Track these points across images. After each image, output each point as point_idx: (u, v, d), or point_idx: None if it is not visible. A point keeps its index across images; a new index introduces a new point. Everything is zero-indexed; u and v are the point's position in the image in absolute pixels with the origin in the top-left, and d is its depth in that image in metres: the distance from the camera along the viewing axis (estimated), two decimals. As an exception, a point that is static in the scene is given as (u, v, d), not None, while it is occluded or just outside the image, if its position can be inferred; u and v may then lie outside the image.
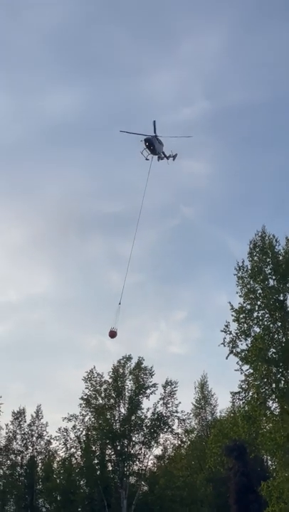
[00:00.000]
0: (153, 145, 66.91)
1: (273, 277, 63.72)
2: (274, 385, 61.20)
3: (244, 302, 63.22)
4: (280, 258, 64.20)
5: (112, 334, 63.17)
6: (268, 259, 64.27)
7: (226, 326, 62.94)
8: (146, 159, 67.54)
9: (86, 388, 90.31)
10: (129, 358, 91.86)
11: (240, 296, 63.63)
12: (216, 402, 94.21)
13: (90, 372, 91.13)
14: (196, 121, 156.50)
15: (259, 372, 60.86)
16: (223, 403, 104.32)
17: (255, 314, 62.98)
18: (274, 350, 61.86)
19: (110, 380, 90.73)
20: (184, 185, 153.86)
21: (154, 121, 66.57)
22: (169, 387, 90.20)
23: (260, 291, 63.30)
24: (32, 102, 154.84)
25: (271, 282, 63.70)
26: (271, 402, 61.93)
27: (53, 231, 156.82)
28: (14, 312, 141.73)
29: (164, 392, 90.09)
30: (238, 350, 62.33)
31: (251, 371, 61.58)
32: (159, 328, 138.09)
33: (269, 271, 63.97)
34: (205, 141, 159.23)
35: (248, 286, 63.43)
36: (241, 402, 64.07)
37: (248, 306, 63.05)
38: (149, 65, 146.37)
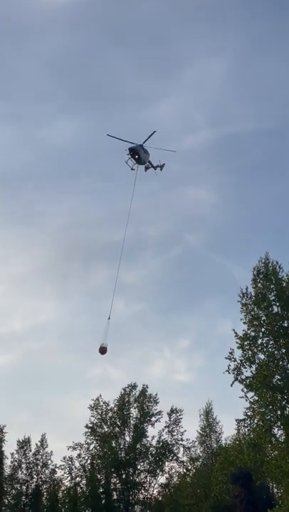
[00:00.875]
0: (138, 154, 65.35)
1: (277, 304, 63.81)
2: (279, 412, 61.05)
3: (248, 329, 63.28)
4: (284, 284, 64.33)
5: (102, 350, 61.74)
6: (272, 286, 64.41)
7: (231, 353, 63.03)
8: (132, 169, 66.03)
9: (92, 416, 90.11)
10: (134, 387, 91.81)
11: (244, 323, 63.74)
12: (221, 429, 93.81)
13: (96, 400, 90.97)
14: (199, 149, 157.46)
15: (264, 399, 60.79)
16: (228, 431, 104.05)
17: (260, 341, 63.02)
18: (279, 377, 61.83)
19: (116, 408, 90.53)
20: (188, 213, 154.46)
21: (154, 132, 65.23)
22: (174, 414, 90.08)
23: (264, 317, 63.36)
24: (36, 131, 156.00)
25: (275, 309, 63.79)
26: (276, 429, 61.80)
27: (57, 259, 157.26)
28: (19, 341, 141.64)
29: (169, 420, 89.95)
30: (243, 377, 62.33)
31: (256, 398, 61.51)
32: (163, 356, 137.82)
33: (273, 297, 64.09)
34: (208, 169, 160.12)
35: (252, 313, 63.53)
36: (246, 430, 63.88)
37: (253, 333, 63.10)
38: (153, 94, 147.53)
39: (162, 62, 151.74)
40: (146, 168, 67.77)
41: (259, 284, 64.76)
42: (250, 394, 61.78)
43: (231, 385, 62.56)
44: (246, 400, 61.92)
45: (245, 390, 61.87)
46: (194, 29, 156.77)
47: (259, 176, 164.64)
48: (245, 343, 62.89)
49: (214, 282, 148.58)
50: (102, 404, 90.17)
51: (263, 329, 63.23)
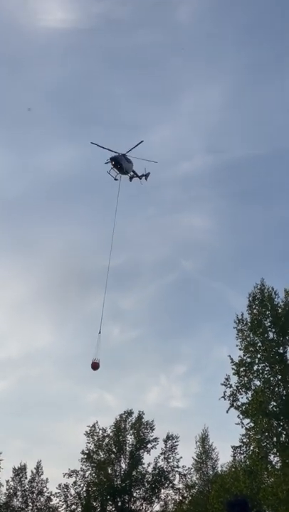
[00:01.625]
0: (120, 164, 63.28)
1: (273, 330, 63.95)
2: (275, 439, 60.91)
3: (244, 355, 63.37)
4: (280, 311, 64.51)
5: (95, 366, 60.36)
6: (268, 312, 64.59)
7: (226, 379, 63.12)
8: (115, 179, 63.63)
9: (88, 443, 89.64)
10: (130, 413, 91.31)
11: (240, 349, 63.88)
12: (217, 456, 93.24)
13: (92, 426, 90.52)
14: (195, 176, 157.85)
15: (260, 425, 60.68)
16: (224, 457, 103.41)
17: (256, 367, 63.07)
18: (275, 404, 61.75)
19: (112, 435, 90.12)
20: (184, 239, 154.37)
21: (141, 142, 62.84)
22: (170, 441, 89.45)
23: (259, 344, 63.47)
24: (33, 158, 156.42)
25: (271, 335, 63.91)
26: (272, 456, 61.62)
27: (54, 286, 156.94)
28: (15, 367, 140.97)
29: (165, 447, 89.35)
30: (239, 403, 62.33)
31: (252, 425, 61.42)
32: (159, 382, 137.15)
33: (268, 323, 64.23)
34: (205, 195, 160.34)
35: (248, 339, 63.65)
36: (242, 457, 63.48)
37: (248, 359, 63.16)
38: (149, 120, 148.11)
39: (159, 89, 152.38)
40: (131, 178, 65.61)
41: (255, 310, 64.94)
42: (246, 420, 61.74)
43: (227, 412, 62.60)
44: (242, 427, 61.88)
45: (241, 416, 61.83)
46: (191, 56, 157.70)
47: (255, 202, 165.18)
48: (241, 369, 62.94)
49: (210, 308, 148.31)
50: (98, 430, 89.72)
51: (258, 355, 63.32)
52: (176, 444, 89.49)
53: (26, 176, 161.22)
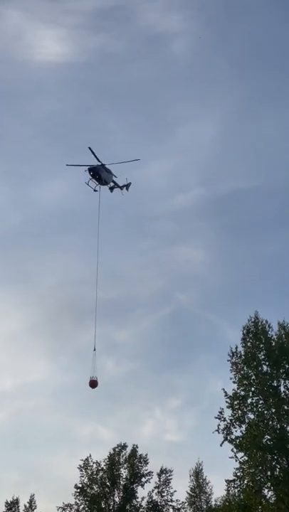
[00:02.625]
0: (99, 174, 62.13)
1: (267, 363, 63.99)
2: (269, 473, 60.65)
3: (238, 388, 63.35)
4: (273, 344, 64.62)
5: (93, 383, 59.41)
6: (261, 345, 64.69)
7: (220, 412, 62.99)
8: (95, 190, 62.81)
9: (81, 476, 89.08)
10: (124, 447, 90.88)
11: (234, 382, 63.86)
12: (211, 490, 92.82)
13: (85, 460, 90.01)
14: (190, 209, 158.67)
15: (254, 459, 60.47)
16: (218, 491, 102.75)
17: (249, 400, 63.01)
18: (269, 437, 61.57)
19: (105, 468, 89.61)
20: (179, 272, 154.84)
21: (90, 148, 61.17)
22: (164, 475, 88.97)
23: (253, 377, 63.50)
24: (27, 191, 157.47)
25: (265, 368, 63.95)
26: (267, 490, 61.30)
27: (48, 319, 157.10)
28: (10, 400, 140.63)
29: (159, 481, 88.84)
30: (233, 437, 62.13)
31: (246, 458, 61.17)
32: (154, 415, 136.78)
33: (262, 356, 64.29)
34: (200, 227, 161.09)
35: (242, 372, 63.66)
36: (236, 491, 63.14)
37: (242, 393, 63.13)
38: (144, 154, 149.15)
39: (153, 122, 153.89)
40: (112, 189, 65.01)
41: (248, 343, 65.04)
42: (240, 454, 61.50)
43: (221, 445, 62.38)
44: (236, 461, 61.60)
45: (235, 450, 61.63)
46: (185, 90, 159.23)
47: (250, 235, 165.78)
48: (235, 402, 62.87)
49: (205, 341, 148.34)
50: (91, 464, 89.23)
51: (252, 388, 63.31)
52: (170, 477, 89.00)
53: (20, 209, 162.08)
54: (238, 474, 61.31)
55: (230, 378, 64.09)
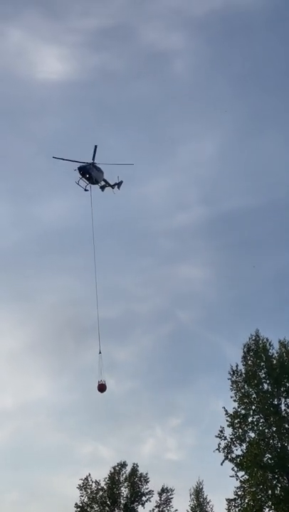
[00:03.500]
0: (89, 173, 60.88)
1: (268, 381, 63.84)
2: (270, 492, 60.37)
3: (239, 407, 63.21)
4: (274, 362, 64.50)
5: (101, 387, 58.31)
6: (262, 363, 64.57)
7: (221, 431, 62.86)
8: (86, 190, 61.54)
9: (81, 496, 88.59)
10: (124, 465, 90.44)
11: (234, 400, 63.71)
12: (212, 509, 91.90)
13: (85, 479, 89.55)
14: (191, 227, 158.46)
15: (255, 478, 60.24)
16: (218, 510, 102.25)
17: (250, 419, 62.86)
18: (269, 456, 61.36)
19: (106, 487, 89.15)
20: (180, 290, 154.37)
21: (96, 146, 61.11)
22: (164, 494, 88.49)
23: (254, 395, 63.36)
24: (29, 209, 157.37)
25: (265, 386, 63.82)
26: (267, 509, 60.89)
27: (49, 338, 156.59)
28: (10, 419, 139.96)
29: (160, 500, 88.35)
30: (233, 455, 61.92)
31: (247, 477, 60.93)
32: (154, 434, 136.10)
33: (263, 375, 64.17)
34: (200, 245, 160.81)
35: (243, 390, 63.54)
36: (237, 510, 62.60)
37: (243, 411, 62.98)
38: (145, 172, 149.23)
39: (154, 140, 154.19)
40: (103, 188, 63.84)
41: (249, 362, 64.94)
42: (241, 473, 61.31)
43: (222, 464, 62.17)
44: (237, 479, 61.45)
45: (235, 468, 61.43)
46: (186, 108, 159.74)
47: (251, 253, 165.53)
48: (236, 421, 62.73)
49: (206, 359, 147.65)
50: (91, 483, 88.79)
51: (253, 407, 63.17)
52: (170, 497, 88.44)
53: (22, 227, 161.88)
54: (239, 493, 61.10)
55: (231, 397, 64.05)
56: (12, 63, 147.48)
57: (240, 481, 61.13)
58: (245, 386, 63.70)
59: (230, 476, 61.50)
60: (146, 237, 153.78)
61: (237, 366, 64.67)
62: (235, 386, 63.88)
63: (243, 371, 64.41)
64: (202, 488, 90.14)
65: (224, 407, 63.42)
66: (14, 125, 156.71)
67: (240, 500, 61.13)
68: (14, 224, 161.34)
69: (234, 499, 61.46)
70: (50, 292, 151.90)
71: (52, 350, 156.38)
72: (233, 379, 64.14)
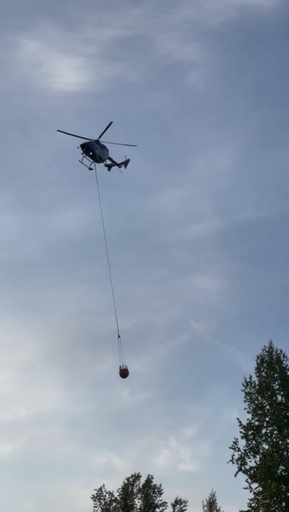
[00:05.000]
0: (93, 151, 58.34)
1: (281, 393, 63.62)
2: (284, 504, 60.00)
3: (252, 418, 63.02)
4: (288, 373, 64.25)
5: (124, 373, 56.03)
6: (276, 375, 64.38)
7: (235, 442, 62.68)
8: (90, 169, 59.29)
9: (95, 507, 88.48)
10: (138, 477, 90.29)
11: (248, 412, 63.50)
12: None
13: (98, 490, 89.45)
14: (206, 238, 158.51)
15: (268, 490, 59.94)
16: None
17: (264, 431, 62.66)
18: (283, 468, 60.99)
19: (119, 499, 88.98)
20: (194, 301, 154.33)
21: (110, 123, 58.41)
22: (178, 506, 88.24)
23: (268, 407, 63.16)
24: (43, 219, 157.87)
25: (279, 398, 63.57)
26: (281, 521, 60.67)
27: (63, 348, 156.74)
28: (24, 429, 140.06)
29: (174, 511, 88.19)
30: (247, 467, 61.67)
31: (260, 489, 60.65)
32: (169, 445, 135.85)
33: (277, 386, 63.98)
34: (215, 257, 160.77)
35: (256, 402, 63.35)
36: (251, 522, 62.54)
37: (257, 423, 62.78)
38: (160, 183, 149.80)
39: (169, 151, 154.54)
40: (109, 167, 61.74)
41: (263, 373, 64.78)
42: (255, 485, 61.10)
43: (235, 475, 61.95)
44: (250, 491, 61.22)
45: (249, 480, 61.20)
46: (201, 119, 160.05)
47: (265, 264, 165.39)
48: (249, 432, 62.55)
49: (220, 370, 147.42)
50: (105, 494, 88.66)
51: (267, 419, 62.97)
52: (184, 508, 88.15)
53: (36, 238, 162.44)
54: (253, 505, 60.81)
55: (245, 408, 63.87)
56: (27, 74, 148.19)
57: (254, 493, 60.92)
58: (259, 397, 63.53)
59: (244, 488, 61.35)
60: (161, 247, 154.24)
61: (250, 377, 64.58)
62: (248, 397, 63.74)
63: (257, 382, 64.26)
64: (215, 499, 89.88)
65: (238, 418, 63.37)
66: (28, 136, 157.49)
67: (254, 512, 60.89)
68: (28, 234, 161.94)
69: (248, 511, 61.16)
70: (64, 303, 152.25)
71: (66, 360, 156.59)
72: (246, 390, 63.99)
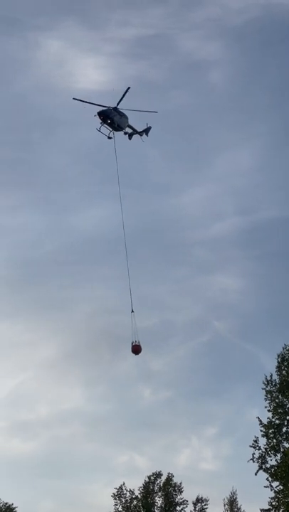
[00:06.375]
0: (111, 118, 56.29)
1: (302, 391, 63.46)
2: (305, 503, 59.96)
3: (273, 417, 62.86)
4: (309, 372, 64.15)
5: (136, 349, 54.81)
6: (297, 373, 64.22)
7: (255, 441, 62.56)
8: (109, 138, 57.39)
9: (116, 505, 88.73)
10: (159, 475, 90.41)
11: (268, 410, 63.35)
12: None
13: (119, 488, 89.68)
14: (227, 237, 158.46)
15: (289, 488, 59.84)
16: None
17: (285, 429, 62.53)
18: (304, 467, 60.91)
19: (140, 497, 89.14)
20: (216, 300, 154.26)
21: (128, 88, 56.28)
22: (199, 504, 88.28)
23: (289, 405, 63.02)
24: (64, 218, 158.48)
25: (300, 397, 63.41)
26: (302, 520, 60.50)
27: (84, 346, 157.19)
28: (45, 428, 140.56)
29: (195, 510, 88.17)
30: (268, 466, 61.56)
31: (281, 488, 60.51)
32: (190, 444, 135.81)
33: (298, 385, 63.78)
34: (236, 256, 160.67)
35: (277, 400, 63.19)
36: (272, 520, 62.41)
37: (277, 421, 62.64)
38: (181, 182, 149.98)
39: (191, 150, 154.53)
40: (130, 136, 59.95)
41: (284, 371, 64.60)
42: (276, 483, 60.96)
43: (256, 474, 61.86)
44: (271, 490, 61.09)
45: (270, 479, 61.10)
46: (223, 118, 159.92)
47: (286, 263, 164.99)
48: (270, 431, 62.38)
49: (242, 369, 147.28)
50: (125, 492, 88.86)
51: (287, 417, 62.79)
52: (205, 507, 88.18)
53: (57, 237, 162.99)
54: (273, 503, 60.67)
55: (265, 407, 63.75)
56: (50, 73, 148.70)
57: (275, 492, 60.78)
58: (280, 396, 63.37)
59: (265, 487, 61.23)
60: (182, 246, 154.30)
61: (271, 376, 64.40)
62: (269, 396, 63.59)
63: (278, 381, 64.08)
64: (236, 498, 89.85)
65: (258, 417, 63.26)
66: (50, 135, 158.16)
67: (275, 510, 60.62)
68: (49, 234, 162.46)
69: (268, 509, 61.02)
70: (85, 301, 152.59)
71: (87, 359, 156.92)
72: (267, 389, 63.83)
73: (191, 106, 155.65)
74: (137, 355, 55.90)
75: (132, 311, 54.75)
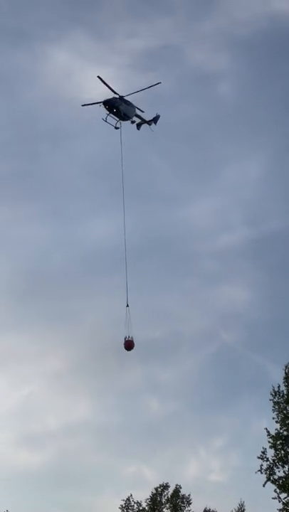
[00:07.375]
0: (116, 107, 55.25)
1: (310, 402, 63.23)
2: (313, 515, 59.72)
3: (281, 428, 62.59)
4: (317, 383, 63.94)
5: (129, 344, 54.82)
6: (304, 384, 64.00)
7: (263, 452, 62.27)
8: (116, 128, 56.55)
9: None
10: (166, 487, 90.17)
11: (276, 421, 63.11)
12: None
13: (126, 500, 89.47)
14: (235, 247, 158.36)
15: (297, 500, 59.62)
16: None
17: (293, 441, 62.28)
18: (312, 478, 60.69)
19: (147, 509, 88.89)
20: (224, 310, 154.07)
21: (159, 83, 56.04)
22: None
23: (296, 416, 62.75)
24: (72, 229, 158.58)
25: (308, 408, 63.18)
26: (310, 532, 60.24)
27: (92, 358, 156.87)
28: (53, 440, 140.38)
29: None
30: (276, 477, 61.31)
31: (289, 500, 60.34)
32: (198, 455, 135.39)
33: (305, 396, 63.55)
34: (244, 267, 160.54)
35: (284, 411, 62.91)
36: (280, 532, 62.13)
37: (285, 432, 62.35)
38: (189, 192, 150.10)
39: (198, 161, 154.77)
40: (139, 125, 58.77)
41: (291, 382, 64.42)
42: (283, 495, 60.70)
43: (264, 485, 61.59)
44: (279, 501, 60.81)
45: (277, 490, 60.83)
46: (231, 129, 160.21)
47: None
48: (278, 442, 62.10)
49: (250, 380, 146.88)
50: (133, 504, 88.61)
51: (295, 428, 62.60)
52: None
53: (65, 248, 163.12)
54: (282, 515, 60.46)
55: (273, 418, 63.49)
56: (57, 85, 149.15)
57: (283, 503, 60.50)
58: (287, 407, 63.10)
59: (273, 498, 60.97)
60: (190, 257, 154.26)
61: (279, 387, 64.15)
62: (277, 407, 63.32)
63: (285, 392, 63.85)
64: (244, 510, 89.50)
65: (266, 428, 63.06)
66: (57, 146, 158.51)
67: (283, 522, 60.51)
68: (57, 245, 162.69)
69: (276, 521, 60.89)
70: (93, 312, 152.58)
71: (95, 370, 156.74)
72: (274, 400, 63.55)
73: (199, 117, 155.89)
74: (129, 351, 55.66)
75: (127, 306, 54.89)
